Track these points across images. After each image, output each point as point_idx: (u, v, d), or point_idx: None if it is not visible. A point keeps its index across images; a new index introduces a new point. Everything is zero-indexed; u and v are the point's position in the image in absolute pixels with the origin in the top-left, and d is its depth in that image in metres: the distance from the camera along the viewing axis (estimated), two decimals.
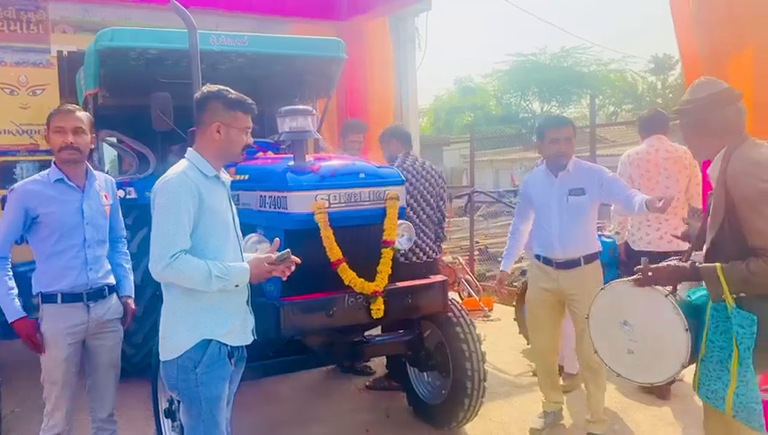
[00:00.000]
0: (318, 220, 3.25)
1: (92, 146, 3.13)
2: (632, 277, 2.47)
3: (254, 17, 6.90)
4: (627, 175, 4.54)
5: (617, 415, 4.14)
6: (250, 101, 2.57)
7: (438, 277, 3.73)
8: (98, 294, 3.03)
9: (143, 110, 4.36)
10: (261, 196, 3.59)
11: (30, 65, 6.57)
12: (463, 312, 3.88)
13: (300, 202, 3.29)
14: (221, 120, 2.49)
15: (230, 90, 2.55)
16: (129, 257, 3.35)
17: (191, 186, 2.41)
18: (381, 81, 7.15)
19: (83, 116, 3.01)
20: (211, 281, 2.36)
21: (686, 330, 2.29)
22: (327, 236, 3.26)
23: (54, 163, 3.00)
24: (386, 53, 7.25)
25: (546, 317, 3.86)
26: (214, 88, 2.55)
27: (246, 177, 3.80)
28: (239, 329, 2.58)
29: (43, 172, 3.03)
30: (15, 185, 3.01)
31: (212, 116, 2.50)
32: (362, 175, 3.45)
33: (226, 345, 2.50)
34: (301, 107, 3.55)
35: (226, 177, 2.65)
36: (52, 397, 2.97)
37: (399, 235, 3.54)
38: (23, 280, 3.04)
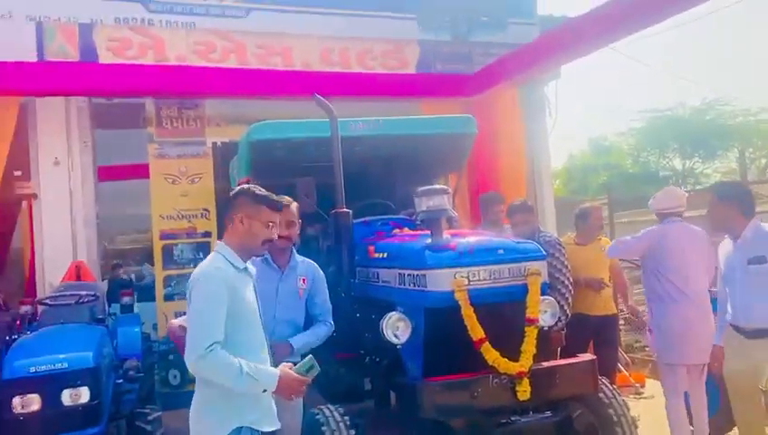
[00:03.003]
0: (458, 298, 3.25)
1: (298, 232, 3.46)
2: None
3: (386, 100, 7.23)
4: None
5: None
6: (276, 198, 2.73)
7: (587, 356, 3.55)
8: None
9: (286, 191, 4.63)
10: (400, 273, 3.65)
11: (189, 157, 7.25)
12: (615, 392, 3.64)
13: (439, 280, 3.31)
14: (245, 213, 2.65)
15: (261, 188, 2.72)
16: (324, 327, 3.49)
17: (224, 279, 2.53)
18: (512, 151, 7.13)
19: (294, 208, 3.37)
20: (241, 378, 2.41)
21: None
22: (468, 314, 3.23)
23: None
24: (516, 124, 7.26)
25: (743, 386, 3.65)
26: (245, 186, 2.75)
27: (385, 254, 3.89)
28: (268, 414, 2.62)
29: None
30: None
31: (238, 209, 2.67)
32: (501, 251, 3.42)
33: (258, 431, 2.56)
34: (437, 186, 3.63)
35: (252, 268, 2.78)
36: None
37: (542, 311, 3.44)
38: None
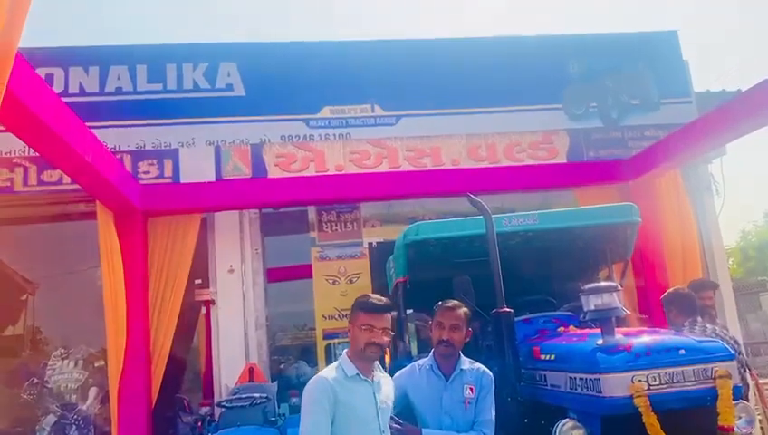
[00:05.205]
0: (638, 404, 3.00)
1: (467, 340, 3.25)
2: None
3: (538, 192, 7.16)
4: None
5: None
6: (374, 302, 2.75)
7: None
8: None
9: (440, 288, 4.64)
10: (570, 377, 3.46)
11: (347, 258, 7.60)
12: None
13: (615, 385, 3.09)
14: (350, 321, 2.80)
15: (368, 295, 2.81)
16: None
17: (326, 386, 2.64)
18: (682, 234, 6.68)
19: (461, 313, 3.23)
20: None
21: None
22: (650, 422, 2.97)
23: (432, 353, 3.27)
24: (681, 205, 6.83)
25: None
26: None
27: (552, 356, 3.72)
28: None
29: (421, 361, 3.31)
30: (395, 375, 3.24)
31: (349, 319, 2.82)
32: (682, 351, 3.15)
33: None
34: (604, 283, 3.46)
35: (379, 374, 2.81)
36: None
37: (737, 417, 3.08)
38: None
